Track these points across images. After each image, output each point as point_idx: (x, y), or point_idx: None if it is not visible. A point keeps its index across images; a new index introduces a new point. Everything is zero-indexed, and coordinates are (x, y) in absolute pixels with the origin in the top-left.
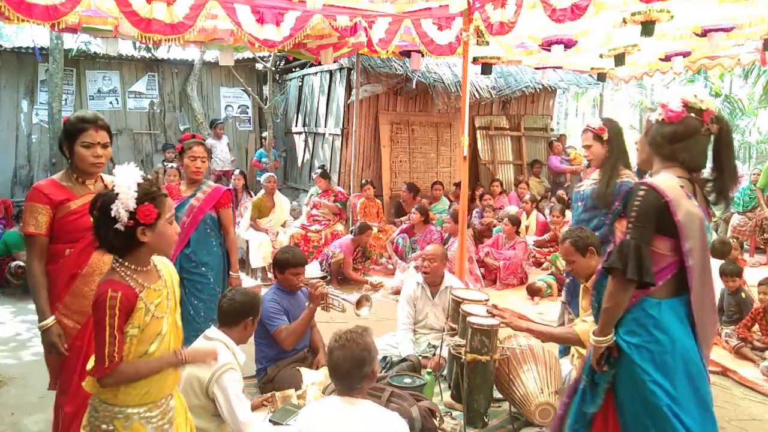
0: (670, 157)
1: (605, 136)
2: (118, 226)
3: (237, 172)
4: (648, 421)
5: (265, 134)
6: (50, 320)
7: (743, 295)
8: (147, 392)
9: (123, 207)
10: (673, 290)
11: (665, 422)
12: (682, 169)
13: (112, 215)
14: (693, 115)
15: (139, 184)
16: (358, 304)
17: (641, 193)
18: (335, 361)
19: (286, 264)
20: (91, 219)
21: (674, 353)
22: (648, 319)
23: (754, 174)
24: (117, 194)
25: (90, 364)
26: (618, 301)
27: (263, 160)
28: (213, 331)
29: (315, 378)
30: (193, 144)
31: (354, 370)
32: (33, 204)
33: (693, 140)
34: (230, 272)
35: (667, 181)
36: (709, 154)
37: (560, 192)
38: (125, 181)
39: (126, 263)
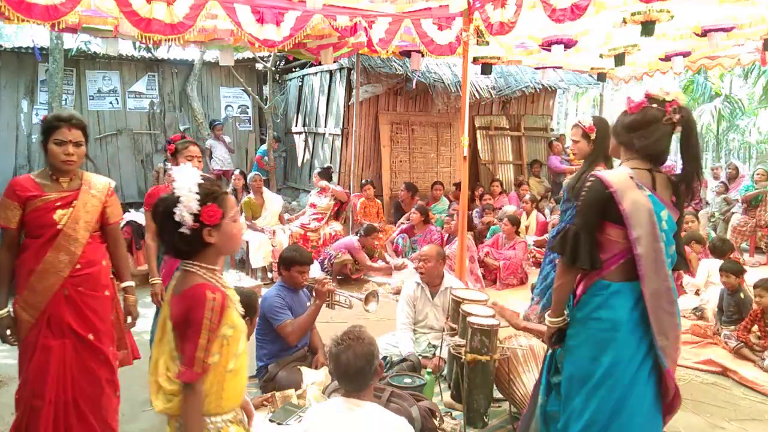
0: (628, 144)
1: (593, 136)
2: (183, 230)
3: (237, 172)
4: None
5: (275, 134)
6: (4, 311)
7: (742, 295)
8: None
9: (186, 210)
10: (626, 275)
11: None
12: (643, 161)
13: (176, 219)
14: (655, 105)
15: (199, 185)
16: (367, 300)
17: (588, 183)
18: (344, 363)
19: (292, 261)
20: (155, 225)
21: (614, 332)
22: (595, 297)
23: (757, 173)
24: (178, 197)
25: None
26: (562, 281)
27: (265, 158)
28: None
29: (315, 377)
30: (188, 143)
31: (365, 366)
32: (4, 199)
33: (651, 129)
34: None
35: (617, 172)
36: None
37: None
38: (185, 183)
39: (202, 264)
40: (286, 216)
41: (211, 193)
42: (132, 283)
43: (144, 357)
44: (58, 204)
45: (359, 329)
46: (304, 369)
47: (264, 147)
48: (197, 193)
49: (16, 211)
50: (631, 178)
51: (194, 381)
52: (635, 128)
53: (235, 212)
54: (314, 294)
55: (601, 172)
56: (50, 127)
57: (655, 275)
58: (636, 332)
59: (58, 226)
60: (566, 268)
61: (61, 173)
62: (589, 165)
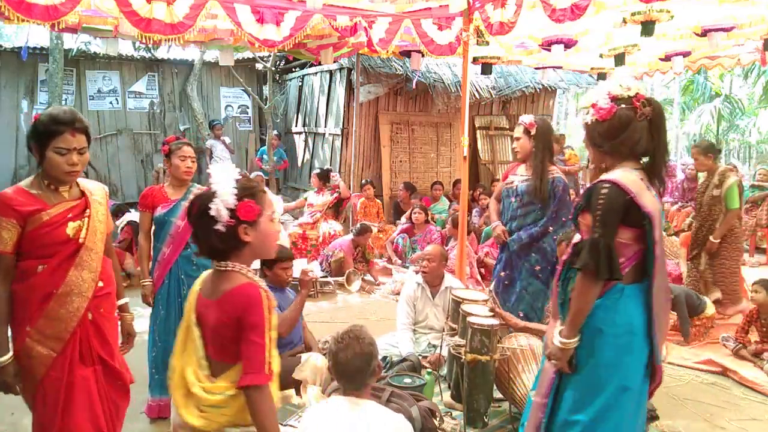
0: (614, 151)
1: (533, 132)
2: (218, 226)
3: (245, 173)
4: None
5: (275, 133)
6: (7, 357)
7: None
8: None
9: (223, 204)
10: (634, 276)
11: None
12: (634, 161)
13: (212, 215)
14: (623, 105)
15: (237, 181)
16: (348, 280)
17: (605, 190)
18: (343, 362)
19: (274, 260)
20: (189, 223)
21: (630, 336)
22: (606, 302)
23: (759, 174)
24: (215, 192)
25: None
26: (590, 299)
27: (264, 157)
28: None
29: (315, 359)
30: (182, 144)
31: (364, 366)
32: None
33: (630, 130)
34: None
35: (627, 175)
36: None
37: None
38: (223, 178)
39: (239, 264)
40: (291, 221)
41: (248, 189)
42: (128, 300)
43: (143, 358)
44: (70, 216)
45: (359, 329)
46: (303, 355)
47: (264, 148)
48: (234, 188)
49: (14, 230)
50: (642, 180)
51: (266, 384)
52: (615, 135)
53: (272, 211)
54: (299, 285)
55: (612, 176)
56: (48, 133)
57: (660, 273)
58: (647, 333)
59: (80, 240)
60: (593, 283)
61: (60, 183)
62: (541, 165)
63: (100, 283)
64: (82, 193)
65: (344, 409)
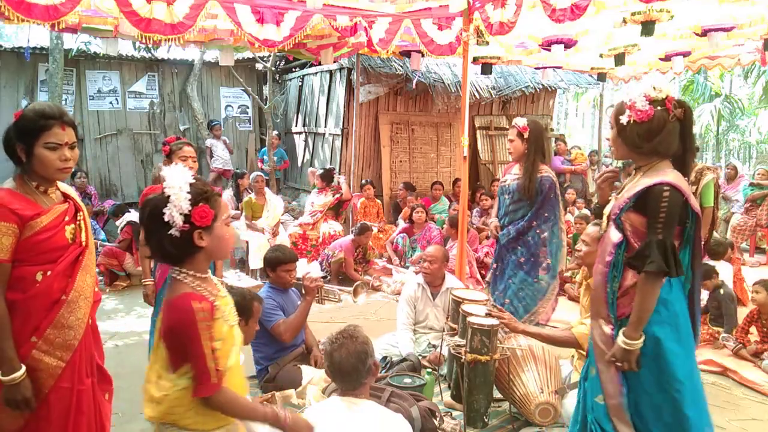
0: (652, 152)
1: (526, 135)
2: (172, 231)
3: (239, 171)
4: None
5: (275, 133)
6: (21, 372)
7: (722, 291)
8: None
9: (177, 210)
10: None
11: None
12: (668, 160)
13: (165, 220)
14: (659, 108)
15: (191, 185)
16: (355, 292)
17: (666, 193)
18: (337, 361)
19: (278, 261)
20: (141, 226)
21: (683, 324)
22: (662, 297)
23: (758, 174)
24: (168, 197)
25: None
26: (655, 299)
27: (265, 158)
28: None
29: (315, 374)
30: (182, 144)
31: (358, 365)
32: None
33: (665, 131)
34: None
35: (679, 178)
36: None
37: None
38: (176, 182)
39: (190, 272)
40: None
41: (203, 193)
42: None
43: (144, 358)
44: (66, 219)
45: (353, 328)
46: (303, 367)
47: (265, 149)
48: (188, 193)
49: (12, 237)
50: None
51: (217, 392)
52: (653, 136)
53: (227, 215)
54: (304, 291)
55: (669, 179)
56: (36, 128)
57: (699, 267)
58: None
59: (83, 243)
60: (658, 282)
61: (48, 183)
62: (532, 165)
63: (96, 288)
64: (65, 197)
65: (341, 409)
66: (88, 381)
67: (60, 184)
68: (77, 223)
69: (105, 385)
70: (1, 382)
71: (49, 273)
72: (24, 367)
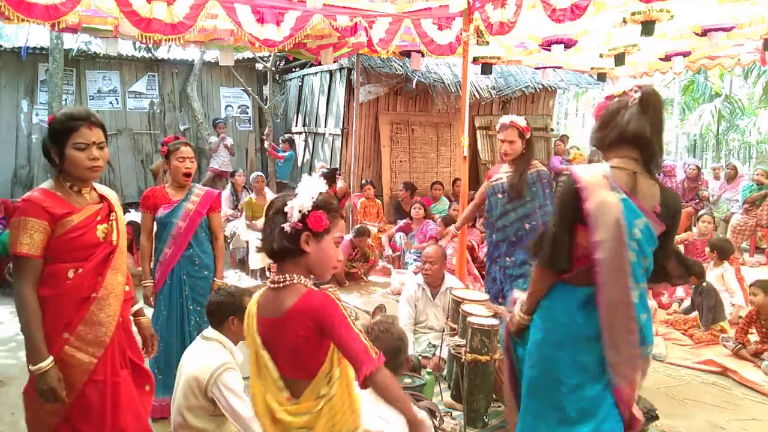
0: (604, 141)
1: (527, 136)
2: (286, 225)
3: (240, 171)
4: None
5: (284, 137)
6: (48, 361)
7: (704, 284)
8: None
9: (298, 206)
10: (588, 279)
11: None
12: (625, 158)
13: (285, 211)
14: (616, 99)
15: (321, 194)
16: (373, 314)
17: (562, 178)
18: None
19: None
20: (266, 218)
21: (564, 334)
22: (550, 301)
23: (757, 174)
24: (297, 194)
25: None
26: (539, 285)
27: (279, 163)
28: (210, 331)
29: None
30: (180, 145)
31: (391, 360)
32: (27, 219)
33: (619, 116)
34: (215, 278)
35: (591, 168)
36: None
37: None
38: (309, 187)
39: (297, 276)
40: None
41: (327, 204)
42: (142, 304)
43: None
44: (98, 219)
45: (390, 323)
46: None
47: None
48: (314, 197)
49: (44, 233)
50: (605, 177)
51: (380, 365)
52: (605, 124)
53: (340, 236)
54: None
55: (575, 166)
56: (65, 130)
57: (615, 284)
58: (598, 339)
59: (113, 243)
60: (542, 272)
61: (82, 183)
62: (525, 163)
63: (126, 287)
64: (101, 198)
65: (368, 402)
66: (123, 372)
67: (98, 186)
68: (110, 223)
69: (143, 378)
70: (32, 373)
71: (80, 270)
72: (51, 357)
